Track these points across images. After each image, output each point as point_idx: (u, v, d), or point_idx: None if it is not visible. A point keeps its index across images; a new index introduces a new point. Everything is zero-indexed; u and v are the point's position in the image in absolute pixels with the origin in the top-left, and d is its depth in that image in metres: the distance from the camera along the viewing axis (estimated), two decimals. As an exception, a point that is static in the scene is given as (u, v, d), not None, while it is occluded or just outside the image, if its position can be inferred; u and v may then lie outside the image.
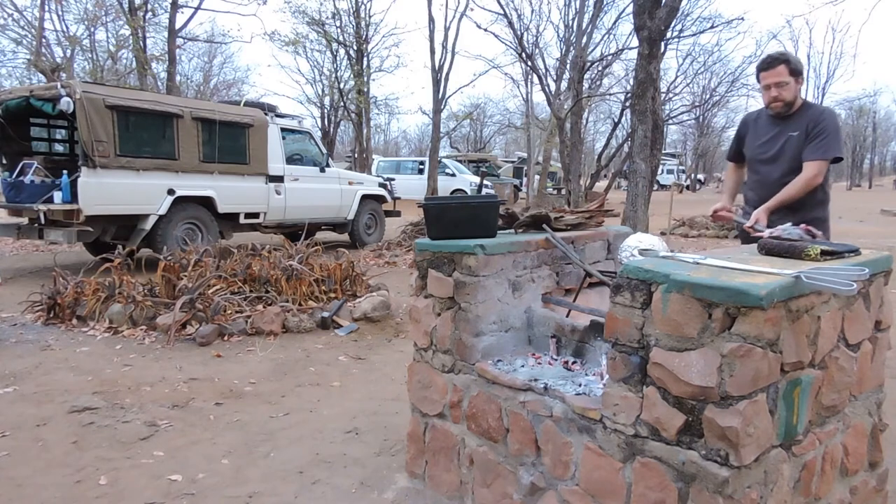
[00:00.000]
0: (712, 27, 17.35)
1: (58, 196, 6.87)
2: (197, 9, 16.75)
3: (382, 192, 10.65)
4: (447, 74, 19.13)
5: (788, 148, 2.82)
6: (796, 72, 2.79)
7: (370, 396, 3.52)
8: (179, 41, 17.79)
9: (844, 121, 48.88)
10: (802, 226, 2.59)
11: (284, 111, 9.87)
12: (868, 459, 2.03)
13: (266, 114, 8.73)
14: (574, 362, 2.18)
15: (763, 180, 2.93)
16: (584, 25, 16.66)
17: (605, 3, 17.09)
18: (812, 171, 2.74)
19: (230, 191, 8.07)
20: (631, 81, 12.71)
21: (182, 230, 7.64)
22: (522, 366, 2.17)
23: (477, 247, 2.16)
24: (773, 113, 2.86)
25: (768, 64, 2.79)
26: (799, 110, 2.83)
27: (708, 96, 25.41)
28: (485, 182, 18.00)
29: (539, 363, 2.20)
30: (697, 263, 1.68)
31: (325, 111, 23.99)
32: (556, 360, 2.22)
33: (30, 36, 15.93)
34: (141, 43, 16.26)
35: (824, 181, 2.83)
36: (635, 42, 8.87)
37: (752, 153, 3.00)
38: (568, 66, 17.84)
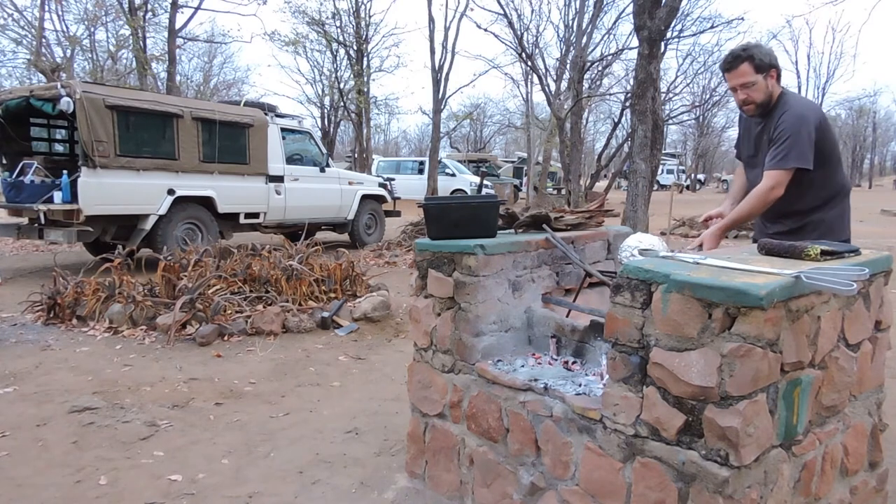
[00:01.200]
0: (712, 27, 17.36)
1: (58, 196, 6.88)
2: (197, 9, 16.76)
3: (382, 192, 10.66)
4: (447, 74, 19.14)
5: (763, 152, 2.50)
6: (764, 66, 2.39)
7: (370, 396, 3.52)
8: (179, 41, 17.79)
9: (844, 121, 48.95)
10: None
11: (284, 111, 9.88)
12: (868, 459, 2.03)
13: (266, 114, 8.73)
14: (574, 362, 2.17)
15: (751, 187, 2.61)
16: (584, 25, 16.67)
17: (605, 3, 17.10)
18: (767, 183, 2.38)
19: (230, 191, 8.07)
20: (631, 81, 12.72)
21: (182, 230, 7.64)
22: (522, 366, 2.17)
23: (477, 247, 2.16)
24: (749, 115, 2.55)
25: (730, 64, 2.42)
26: (775, 107, 2.46)
27: (708, 96, 25.41)
28: (485, 182, 18.00)
29: (539, 363, 2.20)
30: (697, 263, 1.68)
31: (325, 111, 23.99)
32: (556, 360, 2.21)
33: (30, 36, 15.93)
34: (141, 43, 16.26)
35: (820, 187, 2.45)
36: (635, 42, 8.87)
37: (742, 156, 2.74)
38: (568, 66, 17.84)
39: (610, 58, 18.51)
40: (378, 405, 3.36)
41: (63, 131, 8.59)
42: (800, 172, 2.36)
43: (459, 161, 23.82)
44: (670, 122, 21.97)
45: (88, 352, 4.25)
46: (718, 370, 1.46)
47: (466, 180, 20.03)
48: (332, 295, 5.29)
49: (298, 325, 4.75)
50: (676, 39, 17.23)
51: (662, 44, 9.36)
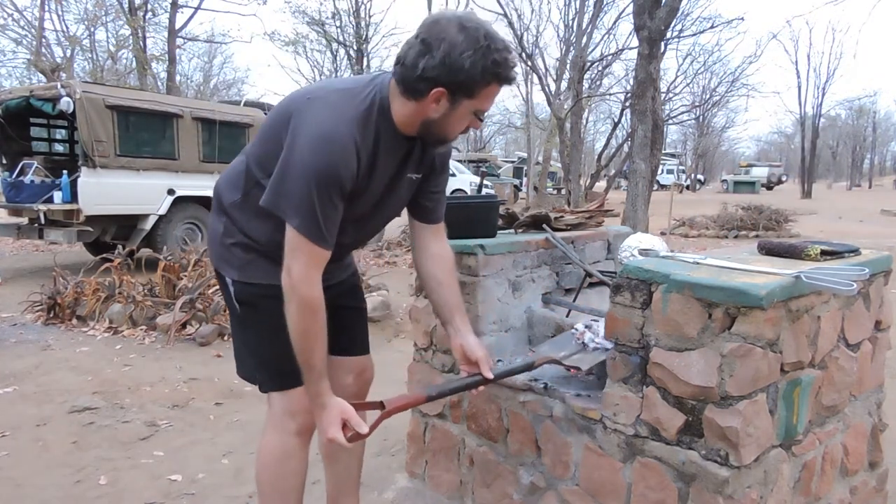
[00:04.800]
0: (712, 27, 17.37)
1: (58, 196, 6.88)
2: (197, 9, 16.80)
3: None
4: (447, 74, 19.10)
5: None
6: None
7: (371, 396, 3.51)
8: (179, 41, 17.82)
9: (844, 121, 49.02)
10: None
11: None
12: (868, 459, 2.03)
13: (266, 113, 8.72)
14: (574, 362, 2.17)
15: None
16: (584, 25, 16.66)
17: (605, 3, 17.09)
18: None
19: (230, 191, 8.06)
20: (631, 81, 12.71)
21: (182, 230, 7.65)
22: (522, 366, 2.17)
23: (477, 247, 2.16)
24: None
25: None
26: None
27: (708, 96, 25.42)
28: (485, 182, 17.99)
29: (539, 363, 2.19)
30: (697, 263, 1.68)
31: (325, 111, 23.92)
32: (556, 360, 2.21)
33: (30, 36, 15.95)
34: (141, 43, 16.29)
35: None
36: (635, 42, 8.86)
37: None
38: (568, 66, 17.84)
39: (610, 58, 18.51)
40: (378, 405, 3.36)
41: (63, 131, 8.59)
42: None
43: (459, 161, 23.80)
44: (670, 122, 21.97)
45: (88, 352, 4.25)
46: (718, 370, 1.46)
47: (466, 180, 20.00)
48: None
49: (298, 325, 4.74)
50: (676, 39, 17.25)
51: (662, 44, 9.35)
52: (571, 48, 17.39)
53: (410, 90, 1.44)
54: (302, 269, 1.44)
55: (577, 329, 1.96)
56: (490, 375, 1.64)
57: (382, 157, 1.52)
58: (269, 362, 1.67)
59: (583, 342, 1.88)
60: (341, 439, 1.48)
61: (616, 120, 22.21)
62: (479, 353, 1.66)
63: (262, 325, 1.63)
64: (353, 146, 1.43)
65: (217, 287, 4.92)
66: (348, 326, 1.88)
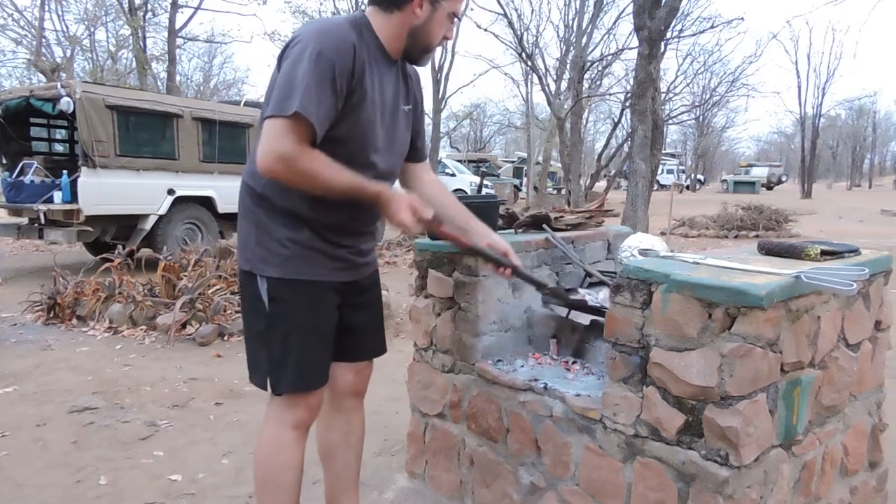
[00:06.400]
0: (712, 27, 17.37)
1: (58, 196, 6.88)
2: (197, 9, 16.80)
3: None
4: (447, 74, 19.13)
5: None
6: None
7: (370, 396, 3.49)
8: (179, 41, 17.82)
9: (844, 121, 49.02)
10: None
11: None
12: (868, 459, 2.03)
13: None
14: (574, 362, 2.17)
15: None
16: (584, 25, 16.68)
17: (605, 3, 17.10)
18: None
19: (230, 191, 8.05)
20: (631, 81, 12.70)
21: (182, 230, 7.65)
22: (522, 366, 2.17)
23: (477, 247, 2.16)
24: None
25: None
26: None
27: (708, 96, 25.43)
28: (485, 182, 17.99)
29: (539, 363, 2.20)
30: (697, 263, 1.68)
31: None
32: (556, 360, 2.22)
33: (30, 36, 15.96)
34: (141, 43, 16.29)
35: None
36: (635, 42, 8.87)
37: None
38: (568, 66, 17.85)
39: (610, 58, 18.51)
40: (378, 405, 3.36)
41: (63, 131, 8.60)
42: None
43: (459, 161, 23.81)
44: (670, 122, 21.97)
45: (88, 352, 4.25)
46: (718, 370, 1.46)
47: (466, 180, 20.01)
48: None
49: (298, 325, 4.73)
50: (676, 39, 17.26)
51: (662, 44, 9.36)
52: (571, 48, 17.41)
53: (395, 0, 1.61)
54: (292, 144, 1.47)
55: (579, 291, 2.20)
56: (518, 263, 1.86)
57: (376, 70, 1.63)
58: (292, 360, 1.68)
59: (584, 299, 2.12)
60: (411, 220, 1.61)
61: (616, 120, 22.22)
62: (506, 246, 1.86)
63: (293, 321, 1.67)
64: (350, 40, 1.54)
65: (217, 287, 4.92)
66: (372, 328, 2.05)
